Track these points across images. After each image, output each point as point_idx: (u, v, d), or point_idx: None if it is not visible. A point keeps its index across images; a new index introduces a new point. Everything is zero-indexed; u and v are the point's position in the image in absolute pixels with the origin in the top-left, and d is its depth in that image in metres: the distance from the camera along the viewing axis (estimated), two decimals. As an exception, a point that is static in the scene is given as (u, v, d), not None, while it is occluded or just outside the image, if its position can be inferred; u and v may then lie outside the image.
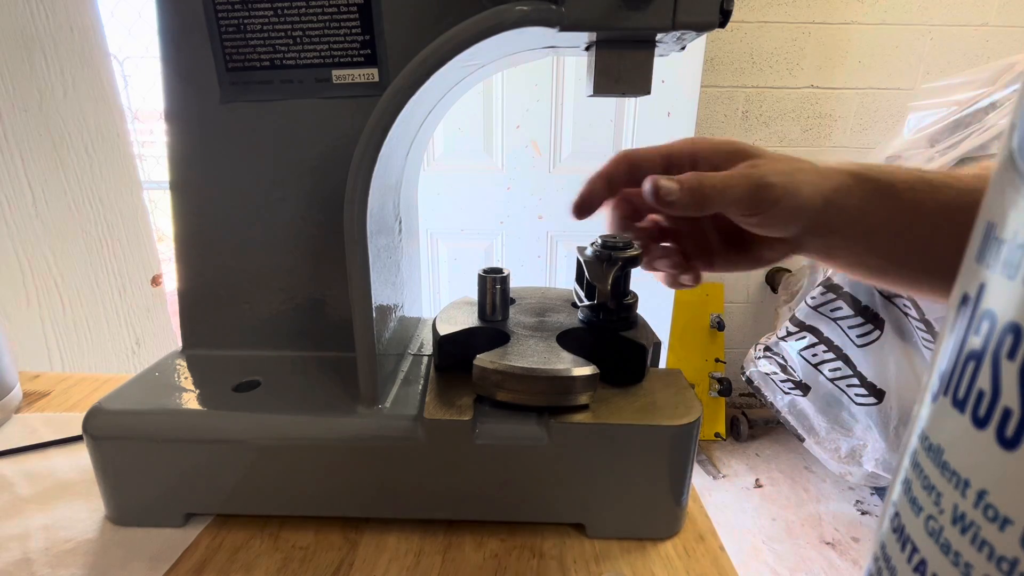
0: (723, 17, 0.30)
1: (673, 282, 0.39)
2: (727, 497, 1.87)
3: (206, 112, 0.39)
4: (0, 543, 0.36)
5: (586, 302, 0.40)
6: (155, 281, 1.04)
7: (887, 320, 1.39)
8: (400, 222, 0.43)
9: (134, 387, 0.39)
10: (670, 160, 0.36)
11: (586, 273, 0.38)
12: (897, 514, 0.11)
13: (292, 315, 0.43)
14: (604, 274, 0.37)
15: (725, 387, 2.03)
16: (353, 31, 0.37)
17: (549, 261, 1.70)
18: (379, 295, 0.37)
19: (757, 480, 1.95)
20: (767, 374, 1.87)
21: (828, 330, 1.53)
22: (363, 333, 0.35)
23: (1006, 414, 0.09)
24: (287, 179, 0.41)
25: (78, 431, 0.39)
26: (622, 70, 0.33)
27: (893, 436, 1.51)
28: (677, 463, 0.35)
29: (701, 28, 0.30)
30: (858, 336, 1.45)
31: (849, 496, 1.86)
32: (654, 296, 1.63)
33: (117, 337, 0.98)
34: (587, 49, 0.35)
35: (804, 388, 1.78)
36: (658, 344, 0.41)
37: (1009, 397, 0.09)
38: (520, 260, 1.69)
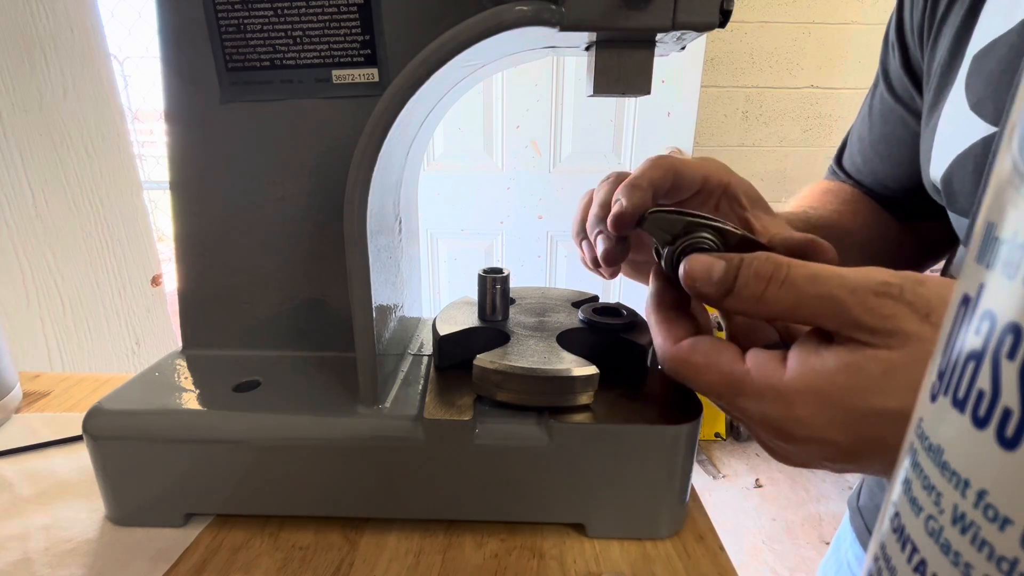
0: (723, 17, 0.30)
1: (594, 264, 0.37)
2: (727, 497, 1.87)
3: (206, 112, 0.39)
4: (0, 543, 0.36)
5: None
6: (155, 281, 1.04)
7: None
8: (400, 222, 0.43)
9: (134, 387, 0.39)
10: (707, 183, 0.34)
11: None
12: (897, 514, 0.11)
13: (292, 315, 0.43)
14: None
15: (725, 387, 2.03)
16: (353, 31, 0.37)
17: (549, 261, 1.70)
18: (379, 295, 0.37)
19: (757, 480, 1.95)
20: (767, 374, 1.86)
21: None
22: (363, 333, 0.35)
23: (1006, 414, 0.09)
24: (287, 179, 0.41)
25: (78, 431, 0.39)
26: (622, 70, 0.33)
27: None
28: (677, 463, 0.35)
29: (701, 28, 0.30)
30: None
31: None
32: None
33: (117, 337, 0.98)
34: (587, 49, 0.35)
35: (804, 388, 1.78)
36: (658, 344, 0.41)
37: (1009, 397, 0.09)
38: (520, 260, 1.69)
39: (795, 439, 0.21)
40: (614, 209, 0.30)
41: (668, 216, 0.28)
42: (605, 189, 0.33)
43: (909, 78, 0.45)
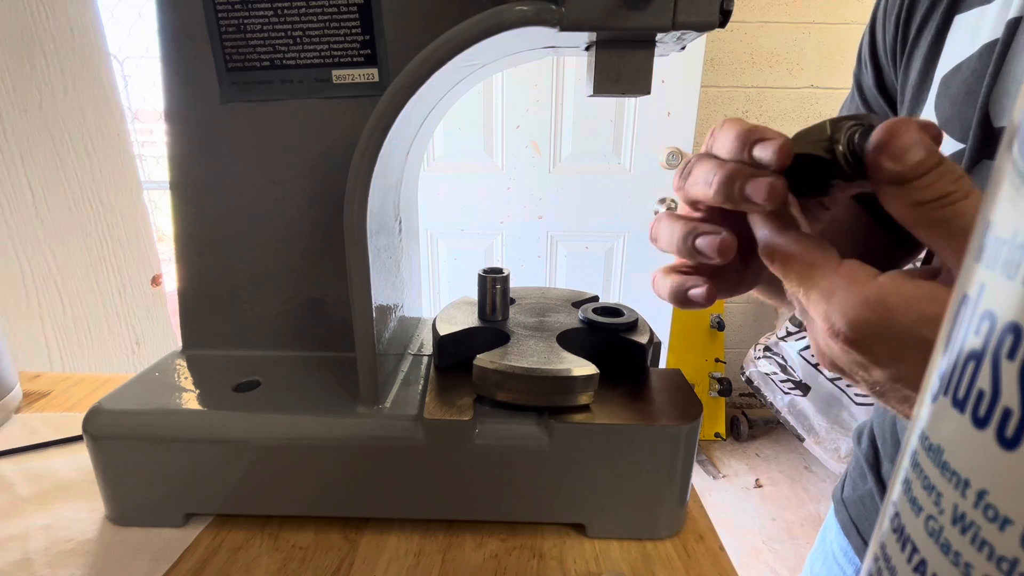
0: (723, 17, 0.30)
1: (683, 297, 0.30)
2: (727, 497, 1.87)
3: (206, 112, 0.39)
4: (0, 543, 0.36)
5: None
6: (155, 281, 1.04)
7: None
8: (400, 222, 0.43)
9: (134, 387, 0.39)
10: None
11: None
12: (897, 514, 0.11)
13: (292, 315, 0.43)
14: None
15: (725, 387, 2.03)
16: (353, 31, 0.37)
17: (549, 261, 1.70)
18: (379, 295, 0.37)
19: (757, 480, 1.95)
20: (767, 374, 1.87)
21: (828, 330, 1.53)
22: (363, 333, 0.35)
23: (1006, 414, 0.09)
24: (287, 179, 0.41)
25: (78, 431, 0.39)
26: (622, 70, 0.33)
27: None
28: (677, 463, 0.35)
29: (701, 28, 0.30)
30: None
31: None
32: (654, 296, 1.63)
33: (117, 337, 0.98)
34: (587, 49, 0.35)
35: (804, 388, 1.78)
36: (658, 344, 0.41)
37: (1009, 397, 0.09)
38: (520, 260, 1.69)
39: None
40: (772, 146, 0.25)
41: (810, 129, 0.25)
42: (707, 166, 0.27)
43: (882, 96, 0.47)
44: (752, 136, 0.26)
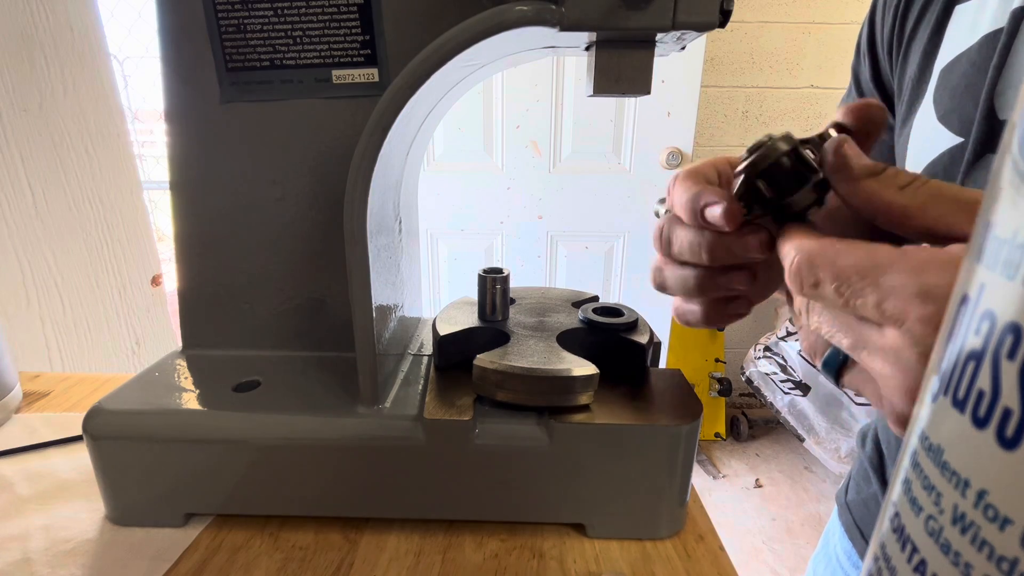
0: (723, 17, 0.30)
1: (719, 314, 0.29)
2: (727, 497, 1.87)
3: (206, 112, 0.39)
4: (0, 543, 0.36)
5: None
6: (155, 281, 1.04)
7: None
8: (400, 222, 0.43)
9: (134, 387, 0.39)
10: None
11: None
12: (897, 514, 0.11)
13: (292, 315, 0.43)
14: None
15: (725, 387, 2.03)
16: (353, 31, 0.37)
17: (549, 261, 1.70)
18: (379, 295, 0.37)
19: (757, 480, 1.95)
20: (767, 374, 1.87)
21: (828, 330, 1.53)
22: (363, 333, 0.35)
23: (1006, 414, 0.09)
24: (287, 179, 0.41)
25: (78, 431, 0.39)
26: (622, 70, 0.33)
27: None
28: (677, 463, 0.35)
29: (701, 28, 0.30)
30: (858, 336, 1.45)
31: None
32: (654, 296, 1.63)
33: (117, 337, 0.98)
34: (587, 49, 0.35)
35: (804, 388, 1.78)
36: (658, 344, 0.41)
37: (1009, 397, 0.09)
38: (520, 260, 1.69)
39: None
40: (719, 212, 0.25)
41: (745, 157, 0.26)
42: (687, 237, 0.28)
43: (878, 90, 0.47)
44: (697, 205, 0.26)
